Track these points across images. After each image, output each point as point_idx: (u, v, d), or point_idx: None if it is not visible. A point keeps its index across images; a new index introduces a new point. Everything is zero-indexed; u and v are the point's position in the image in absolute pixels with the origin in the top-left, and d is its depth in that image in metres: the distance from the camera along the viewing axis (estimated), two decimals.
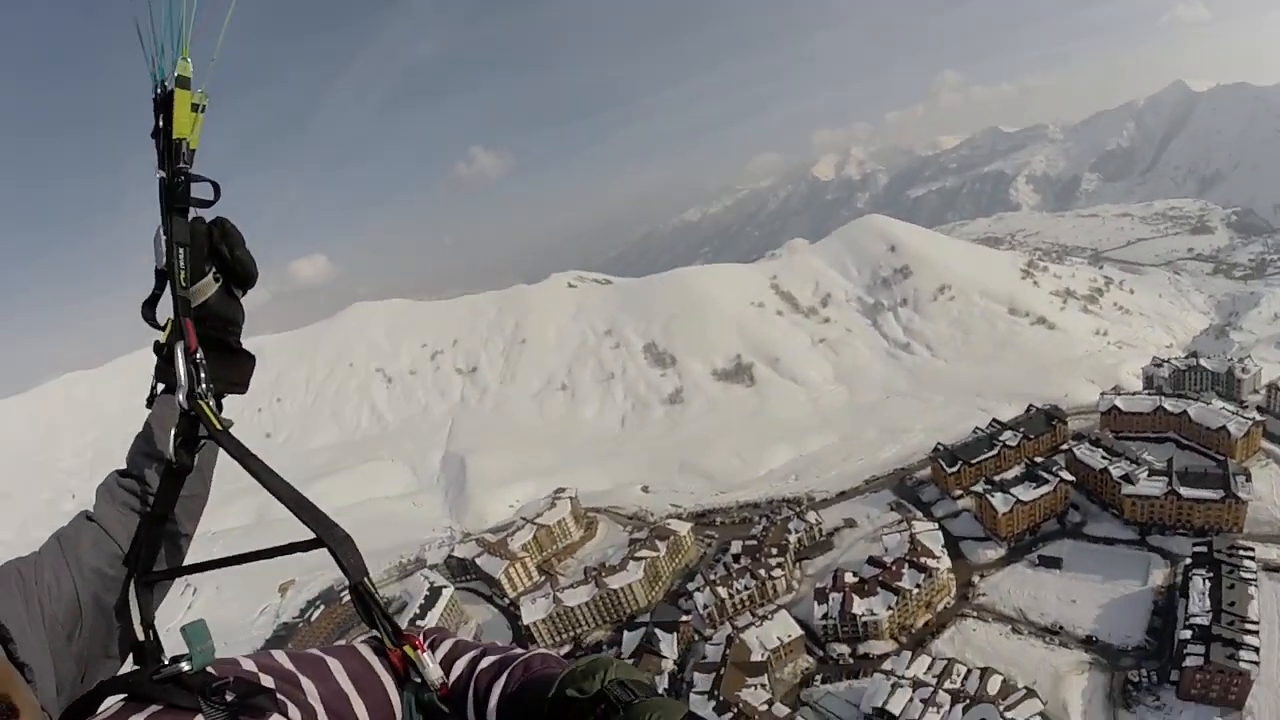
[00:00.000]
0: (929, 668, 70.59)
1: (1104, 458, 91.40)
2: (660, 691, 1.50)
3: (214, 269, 2.11)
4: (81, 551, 2.11)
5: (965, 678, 67.23)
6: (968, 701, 61.98)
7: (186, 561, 2.27)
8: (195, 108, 1.84)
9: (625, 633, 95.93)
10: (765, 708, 71.50)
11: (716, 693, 74.51)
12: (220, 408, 2.23)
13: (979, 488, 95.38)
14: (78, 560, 1.96)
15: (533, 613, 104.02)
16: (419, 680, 1.64)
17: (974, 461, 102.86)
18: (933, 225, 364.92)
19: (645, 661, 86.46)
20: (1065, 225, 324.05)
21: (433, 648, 1.74)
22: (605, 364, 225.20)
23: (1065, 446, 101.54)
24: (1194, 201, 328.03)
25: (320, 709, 1.39)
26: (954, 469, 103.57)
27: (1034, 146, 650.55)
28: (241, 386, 2.36)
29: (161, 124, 1.82)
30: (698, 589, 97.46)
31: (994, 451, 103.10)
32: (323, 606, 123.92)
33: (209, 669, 1.27)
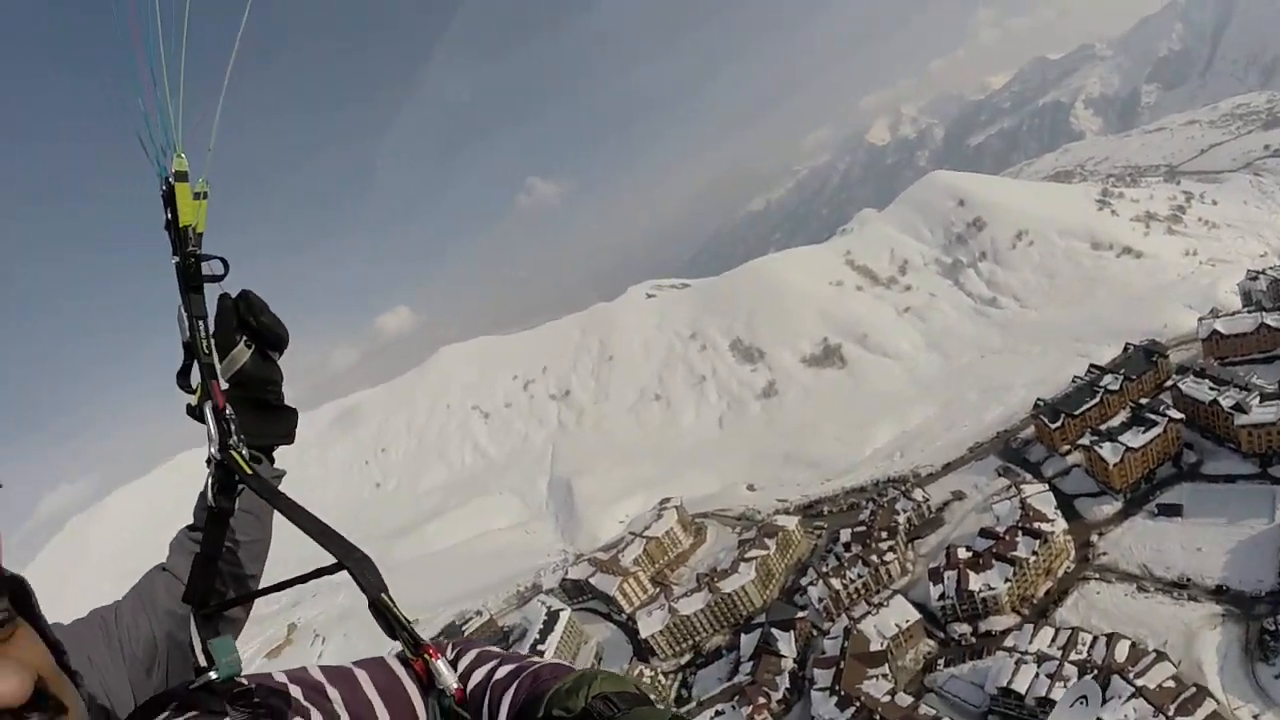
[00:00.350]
0: (1053, 639, 67.21)
1: (1211, 388, 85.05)
2: (646, 699, 1.53)
3: (244, 337, 2.33)
4: (156, 596, 2.44)
5: (1091, 646, 63.76)
6: (1095, 671, 58.74)
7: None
8: (198, 195, 2.10)
9: (742, 635, 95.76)
10: (888, 698, 69.60)
11: (837, 687, 73.19)
12: (273, 459, 2.50)
13: (1086, 440, 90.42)
14: (153, 604, 2.22)
15: (649, 625, 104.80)
16: (441, 688, 1.74)
17: (1076, 413, 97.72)
18: (999, 170, 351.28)
19: (765, 662, 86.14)
20: (1133, 145, 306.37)
21: (459, 658, 1.86)
22: (695, 368, 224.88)
23: (1169, 383, 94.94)
24: (1260, 94, 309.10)
25: (345, 715, 1.46)
26: (1057, 424, 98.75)
27: (1085, 69, 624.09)
28: (288, 439, 2.56)
29: (170, 216, 2.09)
30: (811, 583, 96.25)
31: (1096, 399, 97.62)
32: (457, 639, 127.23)
33: (239, 678, 1.37)
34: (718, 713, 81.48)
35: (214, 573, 2.27)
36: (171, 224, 2.12)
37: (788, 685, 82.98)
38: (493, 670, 1.76)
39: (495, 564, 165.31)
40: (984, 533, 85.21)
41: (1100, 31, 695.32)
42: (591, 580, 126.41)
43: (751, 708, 79.35)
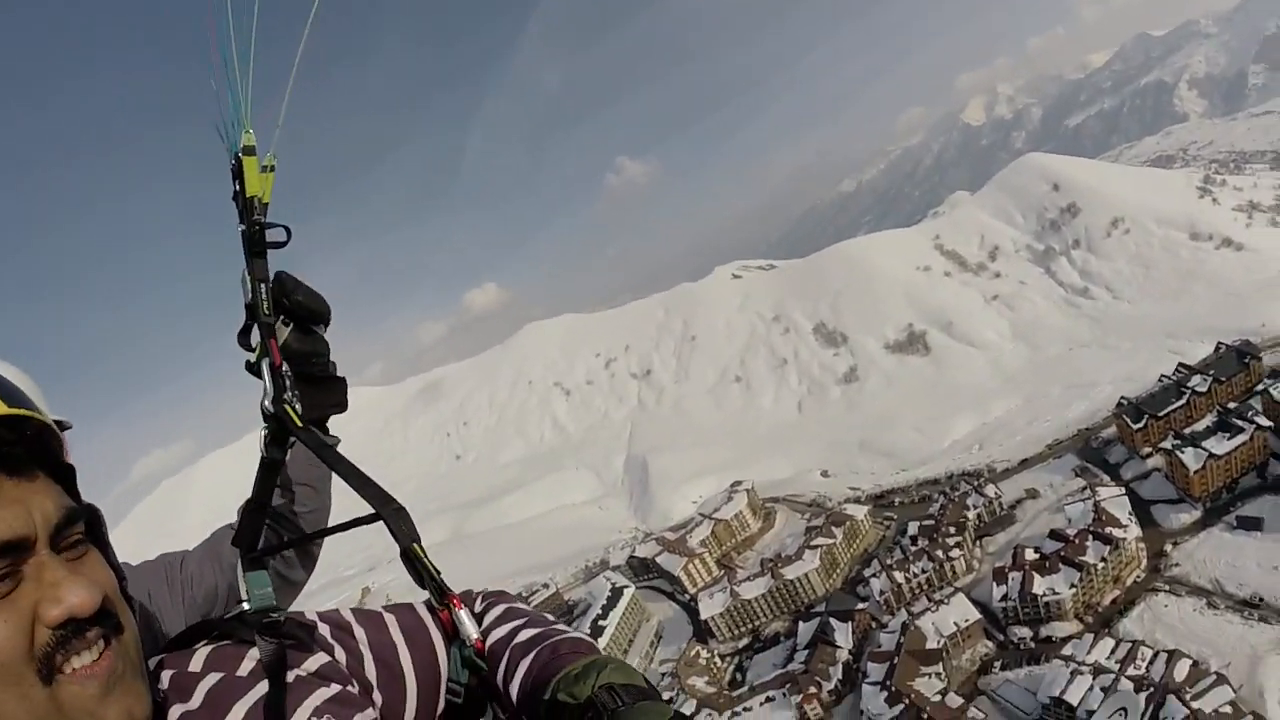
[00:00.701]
0: (1112, 651, 64.92)
1: None
2: (653, 692, 1.55)
3: (281, 316, 2.46)
4: (223, 550, 2.64)
5: (1151, 662, 61.26)
6: (1151, 689, 56.90)
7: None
8: (265, 169, 2.28)
9: (801, 623, 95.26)
10: (939, 698, 68.97)
11: (889, 683, 72.75)
12: (326, 430, 2.60)
13: (1168, 444, 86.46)
14: (219, 557, 2.38)
15: (710, 607, 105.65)
16: (462, 638, 1.79)
17: (1161, 414, 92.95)
18: (1098, 154, 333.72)
19: (820, 652, 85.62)
20: (1239, 129, 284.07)
21: (486, 610, 1.90)
22: (777, 350, 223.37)
23: (1261, 387, 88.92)
24: None
25: (368, 654, 1.52)
26: (1140, 424, 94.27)
27: (1189, 46, 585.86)
28: (340, 408, 2.68)
29: (237, 187, 2.27)
30: (874, 575, 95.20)
31: (1182, 401, 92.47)
32: (487, 589, 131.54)
33: (271, 612, 1.44)
34: (769, 698, 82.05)
35: (262, 520, 2.37)
36: (239, 194, 2.27)
37: (840, 677, 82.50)
38: (515, 630, 1.78)
39: (567, 538, 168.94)
40: (1054, 534, 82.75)
41: (1206, 6, 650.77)
42: (658, 559, 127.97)
43: (802, 696, 79.44)
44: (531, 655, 1.79)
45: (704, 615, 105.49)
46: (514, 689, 1.77)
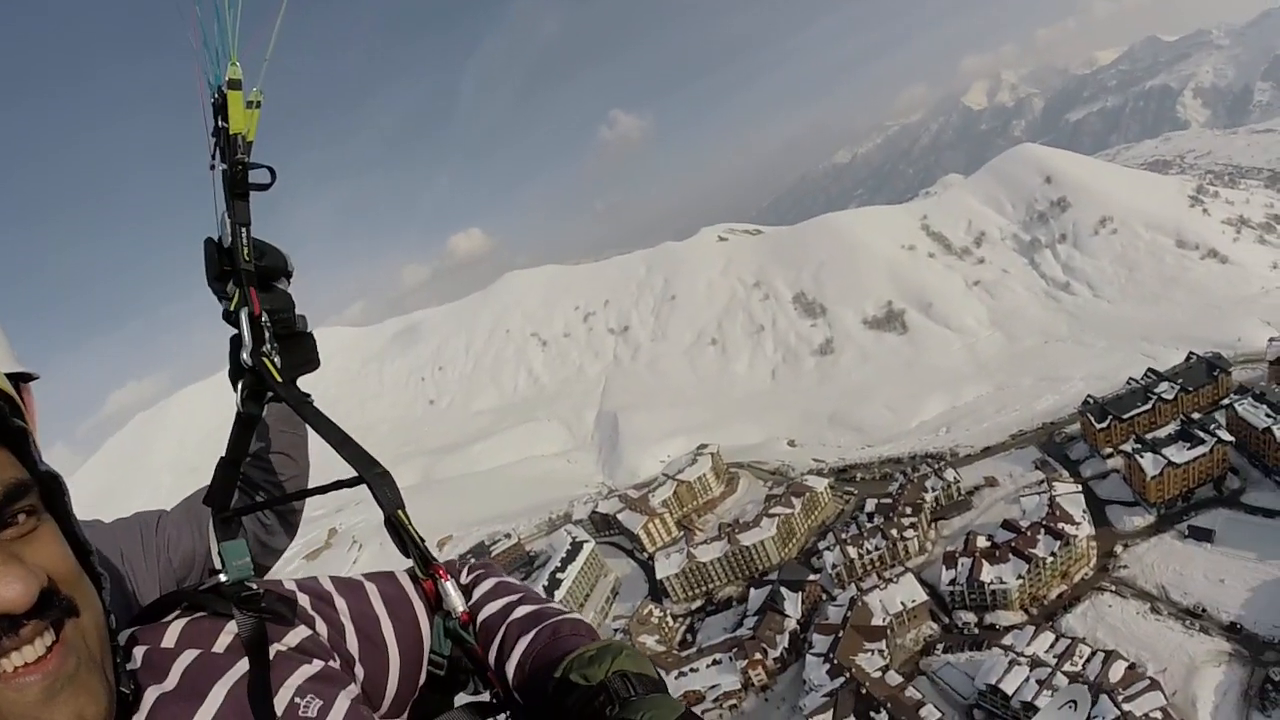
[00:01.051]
0: (1052, 645, 66.28)
1: (1269, 415, 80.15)
2: (663, 685, 1.54)
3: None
4: (201, 512, 2.45)
5: (1088, 660, 62.55)
6: (1085, 687, 58.43)
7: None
8: (251, 104, 2.08)
9: (753, 590, 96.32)
10: (879, 674, 70.11)
11: (832, 656, 73.96)
12: (295, 385, 2.44)
13: (1129, 446, 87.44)
14: (197, 518, 2.25)
15: (666, 567, 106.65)
16: (447, 609, 1.75)
17: (1125, 417, 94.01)
18: (1095, 151, 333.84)
19: (768, 619, 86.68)
20: (1239, 143, 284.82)
21: (475, 584, 1.83)
22: (755, 316, 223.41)
23: (1227, 401, 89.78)
24: None
25: (350, 626, 1.48)
26: (1104, 424, 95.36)
27: (1199, 55, 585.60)
28: (311, 365, 2.52)
29: (220, 123, 2.08)
30: (828, 547, 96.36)
31: (1148, 406, 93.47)
32: (473, 560, 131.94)
33: (249, 584, 1.38)
34: (715, 661, 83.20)
35: (235, 477, 2.26)
36: (221, 131, 2.12)
37: (786, 645, 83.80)
38: (510, 606, 1.73)
39: (533, 489, 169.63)
40: (1007, 524, 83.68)
41: (1220, 18, 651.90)
42: (619, 516, 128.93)
43: (748, 661, 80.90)
44: (531, 634, 1.77)
45: (660, 575, 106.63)
46: (510, 665, 1.74)
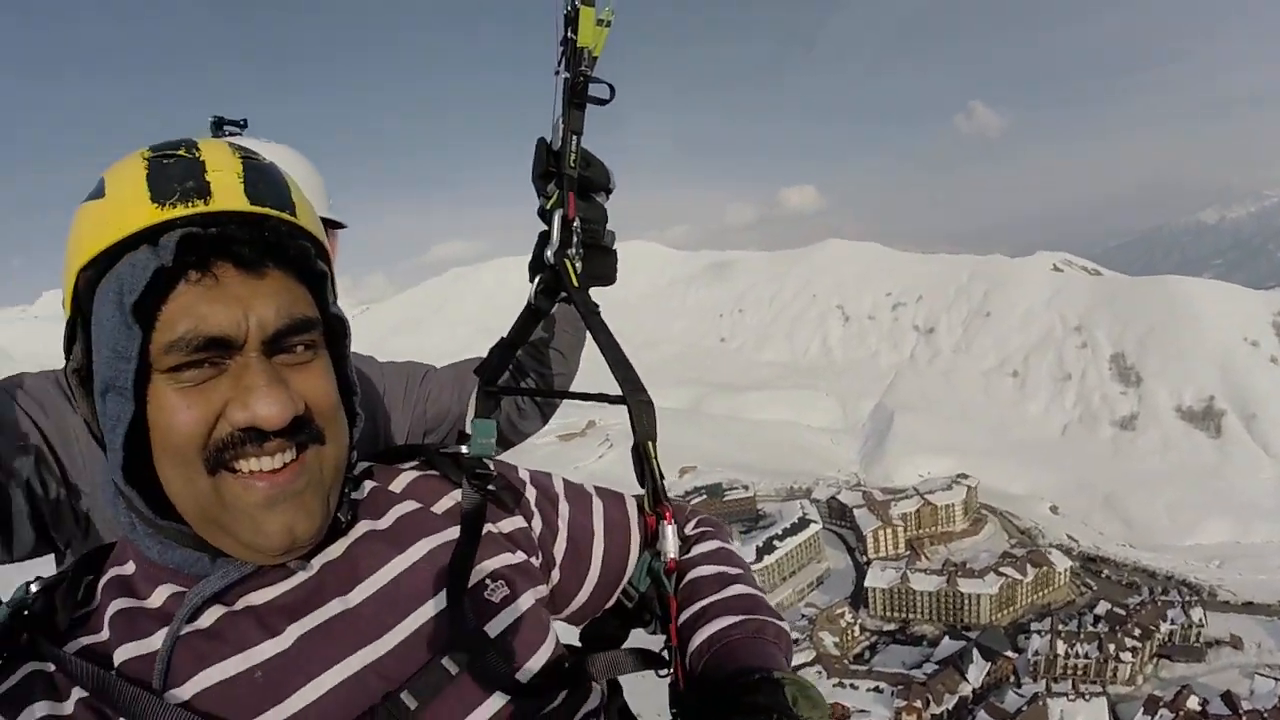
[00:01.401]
0: None
1: None
2: None
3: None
4: (466, 380, 2.69)
5: None
6: None
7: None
8: (601, 22, 2.12)
9: (947, 638, 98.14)
10: None
11: None
12: (587, 292, 2.45)
13: None
14: (461, 383, 2.38)
15: (877, 579, 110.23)
16: (658, 549, 1.67)
17: None
18: None
19: (947, 674, 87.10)
20: None
21: (700, 539, 1.67)
22: (1065, 362, 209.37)
23: None
24: None
25: (564, 531, 1.47)
26: None
27: None
28: (607, 279, 2.57)
29: (569, 34, 2.13)
30: (1039, 632, 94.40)
31: None
32: (704, 497, 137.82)
33: (486, 461, 1.41)
34: (877, 689, 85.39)
35: (509, 359, 2.39)
36: (569, 42, 2.18)
37: (951, 709, 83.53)
38: (725, 580, 1.58)
39: (787, 455, 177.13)
40: (1227, 697, 76.73)
41: None
42: (855, 511, 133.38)
43: (906, 705, 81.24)
44: (736, 619, 1.57)
45: (868, 583, 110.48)
46: (700, 635, 1.56)
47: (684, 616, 1.58)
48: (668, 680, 1.51)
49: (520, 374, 2.61)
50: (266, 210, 0.98)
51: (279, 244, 0.99)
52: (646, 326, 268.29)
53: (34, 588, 1.03)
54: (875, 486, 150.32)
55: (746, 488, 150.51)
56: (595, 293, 2.13)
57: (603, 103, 2.09)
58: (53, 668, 0.95)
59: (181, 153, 0.96)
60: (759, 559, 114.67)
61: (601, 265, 2.32)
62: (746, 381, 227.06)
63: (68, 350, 1.04)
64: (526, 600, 1.23)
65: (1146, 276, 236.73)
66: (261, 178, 1.00)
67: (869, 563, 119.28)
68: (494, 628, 1.18)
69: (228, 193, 0.95)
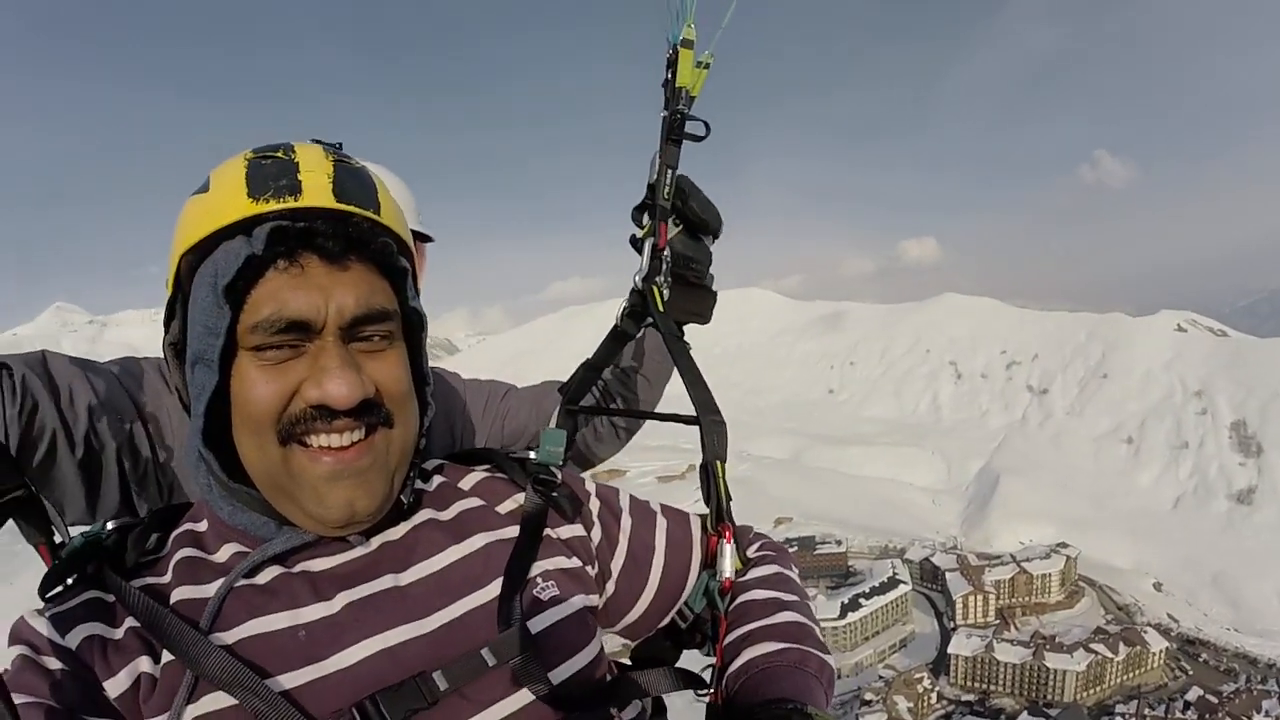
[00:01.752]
0: None
1: None
2: None
3: (674, 216, 2.79)
4: (544, 401, 2.98)
5: None
6: None
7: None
8: (700, 65, 2.53)
9: (1026, 713, 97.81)
10: None
11: None
12: (682, 333, 2.93)
13: None
14: (539, 403, 2.39)
15: (961, 646, 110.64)
16: (717, 569, 1.63)
17: None
18: None
19: None
20: None
21: (760, 562, 1.63)
22: (1183, 429, 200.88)
23: None
24: None
25: (624, 544, 1.47)
26: None
27: None
28: (701, 318, 2.90)
29: (669, 75, 2.52)
30: (1123, 715, 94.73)
31: None
32: (796, 549, 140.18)
33: (553, 469, 1.43)
34: None
35: (593, 380, 2.72)
36: (669, 83, 2.55)
37: None
38: (778, 605, 1.52)
39: (886, 513, 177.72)
40: None
41: None
42: (948, 574, 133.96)
43: None
44: (779, 646, 1.69)
45: (951, 650, 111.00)
46: (741, 658, 1.73)
47: (730, 637, 1.46)
48: (706, 701, 1.39)
49: (606, 397, 2.73)
50: (351, 208, 1.07)
51: (362, 239, 1.08)
52: (755, 373, 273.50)
53: (110, 525, 1.15)
54: (971, 551, 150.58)
55: (839, 542, 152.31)
56: (693, 334, 2.26)
57: (698, 139, 2.25)
58: (112, 598, 1.05)
59: (279, 154, 1.09)
60: (843, 615, 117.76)
61: (699, 303, 2.46)
62: (851, 435, 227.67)
63: (167, 325, 1.17)
64: (575, 604, 1.26)
65: (1275, 339, 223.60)
66: (350, 178, 1.10)
67: (955, 629, 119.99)
68: (537, 624, 1.15)
69: (317, 190, 1.06)
